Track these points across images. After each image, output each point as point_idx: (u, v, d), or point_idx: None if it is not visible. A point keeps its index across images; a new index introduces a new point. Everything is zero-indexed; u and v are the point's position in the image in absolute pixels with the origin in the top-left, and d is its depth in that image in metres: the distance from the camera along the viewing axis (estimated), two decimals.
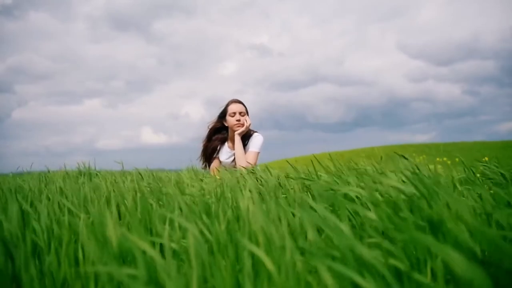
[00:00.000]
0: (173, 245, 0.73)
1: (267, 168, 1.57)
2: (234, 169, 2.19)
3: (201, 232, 0.75)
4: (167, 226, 0.76)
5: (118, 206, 1.10)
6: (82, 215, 0.73)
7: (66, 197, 1.19)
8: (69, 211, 0.99)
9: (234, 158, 2.73)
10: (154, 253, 0.56)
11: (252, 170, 1.63)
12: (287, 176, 1.34)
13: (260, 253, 0.60)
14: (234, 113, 2.70)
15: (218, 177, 1.81)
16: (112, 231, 0.62)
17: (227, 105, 2.77)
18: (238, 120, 2.69)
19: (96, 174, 2.44)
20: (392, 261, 0.54)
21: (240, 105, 2.74)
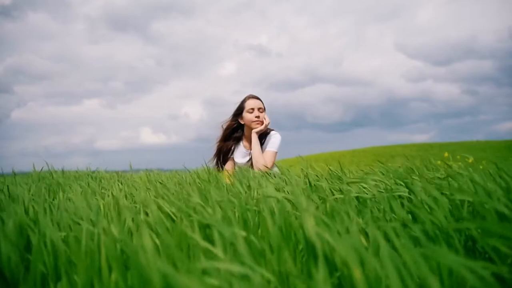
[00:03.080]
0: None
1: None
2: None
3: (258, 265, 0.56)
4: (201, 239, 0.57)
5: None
6: (105, 236, 0.54)
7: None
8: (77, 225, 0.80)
9: (250, 159, 2.53)
10: None
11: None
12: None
13: None
14: (253, 109, 2.49)
15: (230, 181, 1.60)
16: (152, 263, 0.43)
17: (244, 101, 2.55)
18: (257, 117, 2.48)
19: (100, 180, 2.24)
20: None
21: (258, 101, 2.53)
